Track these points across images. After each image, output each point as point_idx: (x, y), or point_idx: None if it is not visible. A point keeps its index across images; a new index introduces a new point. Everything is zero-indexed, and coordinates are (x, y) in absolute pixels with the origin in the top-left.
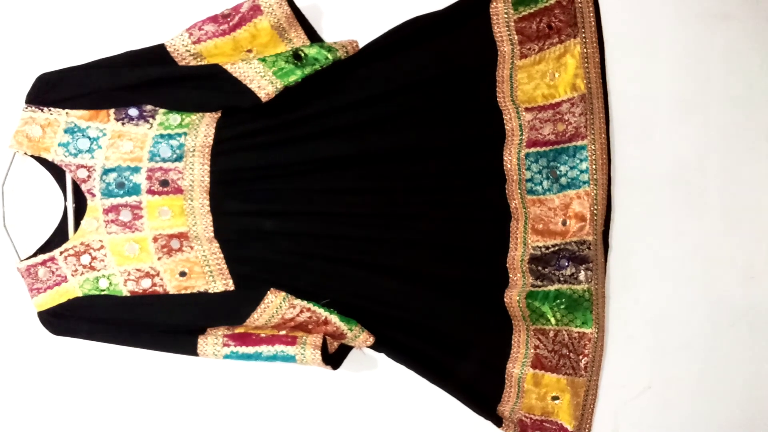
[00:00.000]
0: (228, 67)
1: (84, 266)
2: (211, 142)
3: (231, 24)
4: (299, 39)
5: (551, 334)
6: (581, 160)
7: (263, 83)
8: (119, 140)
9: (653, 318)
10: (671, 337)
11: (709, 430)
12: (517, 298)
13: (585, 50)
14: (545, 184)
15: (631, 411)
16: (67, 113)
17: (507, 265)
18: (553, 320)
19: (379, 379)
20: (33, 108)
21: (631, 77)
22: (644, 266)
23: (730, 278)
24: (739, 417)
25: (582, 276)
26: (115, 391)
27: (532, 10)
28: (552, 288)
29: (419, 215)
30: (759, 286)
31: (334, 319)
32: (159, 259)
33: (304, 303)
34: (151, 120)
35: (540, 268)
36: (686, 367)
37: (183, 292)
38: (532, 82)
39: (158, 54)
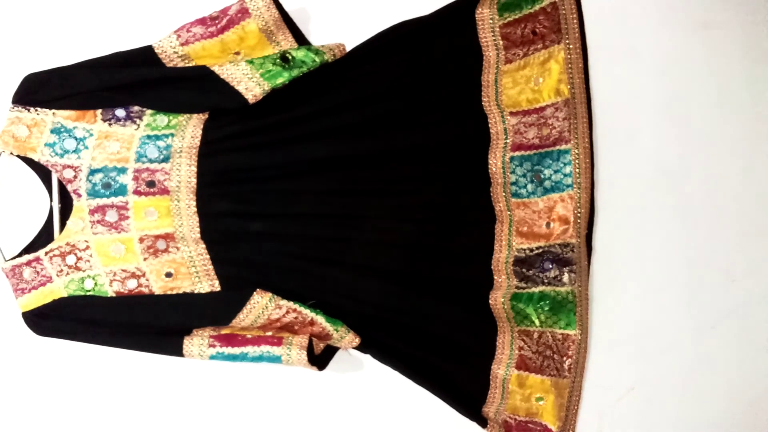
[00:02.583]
0: (216, 69)
1: (69, 266)
2: (198, 143)
3: (219, 26)
4: (287, 42)
5: (535, 335)
6: (565, 164)
7: (251, 85)
8: (106, 141)
9: (636, 320)
10: (654, 339)
11: (692, 430)
12: (502, 299)
13: (569, 56)
14: (529, 187)
15: (614, 412)
16: (53, 113)
17: (492, 267)
18: (537, 322)
19: (364, 380)
20: (20, 108)
21: (615, 82)
22: (627, 268)
23: (712, 280)
24: (721, 417)
25: (566, 278)
26: (102, 391)
27: (517, 16)
28: (536, 290)
29: (405, 217)
30: (741, 288)
31: (320, 319)
32: (145, 259)
33: (290, 304)
34: (138, 121)
35: (524, 270)
36: (669, 369)
37: (169, 292)
38: (517, 86)
39: (146, 55)
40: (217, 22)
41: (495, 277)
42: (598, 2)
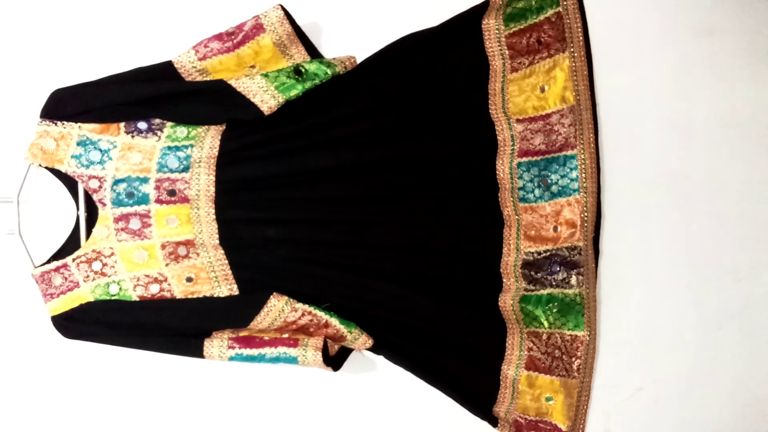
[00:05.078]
0: (232, 83)
1: (95, 272)
2: (216, 153)
3: (235, 41)
4: (300, 55)
5: (544, 336)
6: (571, 169)
7: (266, 97)
8: (129, 152)
9: (644, 321)
10: (661, 340)
11: (699, 430)
12: (511, 302)
13: (573, 64)
14: (537, 192)
15: (623, 411)
16: (79, 127)
17: (501, 270)
18: (545, 323)
19: (378, 381)
20: (47, 122)
21: (619, 89)
22: (634, 270)
23: (718, 281)
24: (728, 417)
25: (573, 280)
26: (124, 393)
27: (522, 26)
28: (544, 292)
29: (416, 222)
30: (746, 288)
31: (335, 322)
32: (167, 265)
33: (306, 306)
34: (159, 133)
35: (533, 272)
36: (676, 369)
37: (190, 296)
38: (523, 94)
39: (166, 70)
40: (233, 37)
41: (504, 280)
42: (601, 10)
